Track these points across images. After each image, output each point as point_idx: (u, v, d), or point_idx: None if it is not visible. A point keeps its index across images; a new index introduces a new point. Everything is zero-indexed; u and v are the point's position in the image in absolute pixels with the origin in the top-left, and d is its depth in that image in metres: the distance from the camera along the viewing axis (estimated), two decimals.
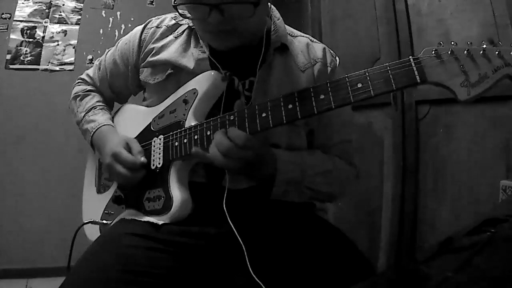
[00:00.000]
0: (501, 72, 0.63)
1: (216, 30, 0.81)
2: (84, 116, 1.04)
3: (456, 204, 1.39)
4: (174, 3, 0.81)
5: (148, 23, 1.01)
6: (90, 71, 1.12)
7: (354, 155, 0.99)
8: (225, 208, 0.79)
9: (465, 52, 0.65)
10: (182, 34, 0.96)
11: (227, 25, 0.79)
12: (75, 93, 1.10)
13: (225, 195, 0.80)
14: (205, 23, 0.80)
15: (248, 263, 0.74)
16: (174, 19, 0.98)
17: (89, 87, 1.10)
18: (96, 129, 0.99)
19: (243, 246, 0.75)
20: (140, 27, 1.01)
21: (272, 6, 0.96)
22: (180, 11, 0.84)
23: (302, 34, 1.01)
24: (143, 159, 0.88)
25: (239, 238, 0.76)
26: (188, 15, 0.84)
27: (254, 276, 0.72)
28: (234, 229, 0.77)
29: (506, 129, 1.23)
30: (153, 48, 0.96)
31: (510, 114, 1.22)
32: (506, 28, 1.20)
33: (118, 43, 1.06)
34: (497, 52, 0.63)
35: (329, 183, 0.91)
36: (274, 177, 0.82)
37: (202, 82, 0.88)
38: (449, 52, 0.65)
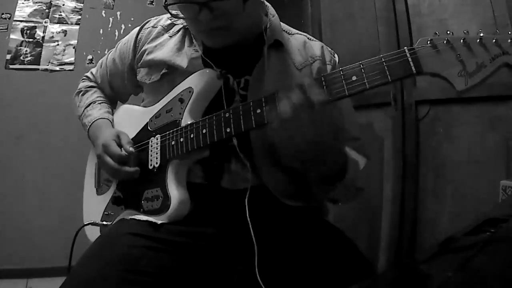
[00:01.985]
0: (499, 60, 0.62)
1: (208, 28, 0.81)
2: (83, 111, 1.07)
3: (456, 204, 1.39)
4: (164, 3, 0.81)
5: (146, 23, 1.02)
6: (94, 69, 1.15)
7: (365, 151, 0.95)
8: (246, 205, 0.79)
9: (462, 41, 0.63)
10: (177, 33, 0.96)
11: (218, 22, 0.79)
12: (78, 89, 1.14)
13: (247, 193, 0.80)
14: (196, 22, 0.80)
15: (256, 261, 0.74)
16: (170, 19, 0.99)
17: (91, 84, 1.14)
18: (91, 123, 1.01)
19: (255, 244, 0.75)
20: (138, 28, 1.02)
21: (267, 3, 0.96)
22: (173, 11, 0.85)
23: (299, 32, 1.00)
24: (131, 149, 0.89)
25: (253, 235, 0.76)
26: (181, 15, 0.84)
27: (258, 276, 0.72)
28: (251, 226, 0.77)
29: (506, 129, 1.23)
30: (148, 47, 0.96)
31: (510, 114, 1.22)
32: (506, 28, 1.20)
33: (119, 43, 1.08)
34: (494, 41, 0.62)
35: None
36: (339, 176, 0.79)
37: (197, 81, 0.87)
38: (445, 42, 0.64)
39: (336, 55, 1.00)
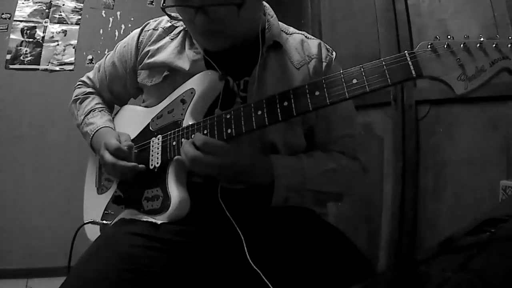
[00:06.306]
0: (499, 65, 0.62)
1: (204, 31, 0.82)
2: (83, 119, 1.04)
3: (456, 204, 1.39)
4: (162, 5, 0.82)
5: (146, 25, 1.02)
6: (90, 74, 1.13)
7: (358, 149, 0.96)
8: (220, 201, 0.80)
9: (462, 45, 0.64)
10: (178, 35, 0.96)
11: (213, 26, 0.80)
12: (75, 96, 1.11)
13: (218, 189, 0.82)
14: (193, 24, 0.81)
15: (246, 252, 0.74)
16: (170, 21, 0.99)
17: (89, 90, 1.11)
18: (95, 132, 1.00)
19: (241, 235, 0.76)
20: (137, 30, 1.02)
21: (265, 3, 0.96)
22: (172, 14, 0.85)
23: (297, 31, 1.00)
24: (130, 142, 0.90)
25: (237, 228, 0.77)
26: (179, 17, 0.85)
27: (254, 266, 0.72)
28: (232, 219, 0.78)
29: (506, 129, 1.23)
30: (150, 50, 0.96)
31: (510, 114, 1.22)
32: (506, 28, 1.20)
33: (117, 46, 1.07)
34: (494, 45, 0.62)
35: (334, 181, 0.89)
36: (273, 184, 0.82)
37: (199, 82, 0.88)
38: (445, 46, 0.64)
39: (334, 52, 0.99)
